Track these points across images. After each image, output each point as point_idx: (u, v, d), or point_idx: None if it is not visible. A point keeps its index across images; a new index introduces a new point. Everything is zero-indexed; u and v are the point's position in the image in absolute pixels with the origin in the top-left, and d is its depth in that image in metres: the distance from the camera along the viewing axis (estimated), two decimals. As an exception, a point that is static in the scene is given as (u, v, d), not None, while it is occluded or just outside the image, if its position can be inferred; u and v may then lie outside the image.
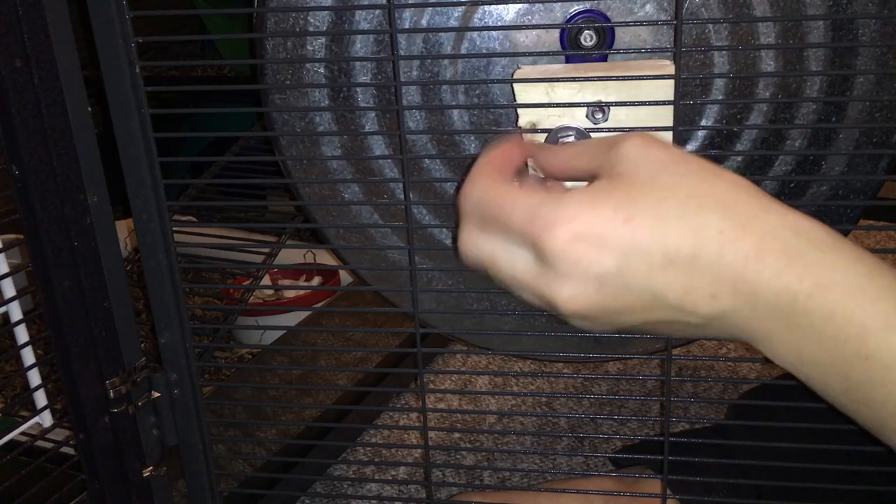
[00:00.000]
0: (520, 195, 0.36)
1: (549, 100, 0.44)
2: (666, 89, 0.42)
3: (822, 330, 0.34)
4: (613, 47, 0.48)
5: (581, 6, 0.47)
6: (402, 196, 0.52)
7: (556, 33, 0.48)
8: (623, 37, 0.48)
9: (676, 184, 0.35)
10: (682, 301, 0.35)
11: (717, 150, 0.51)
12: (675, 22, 0.39)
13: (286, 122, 0.51)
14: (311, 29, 0.49)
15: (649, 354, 0.56)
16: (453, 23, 0.49)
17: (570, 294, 0.35)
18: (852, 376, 0.34)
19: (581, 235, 0.34)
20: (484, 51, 0.49)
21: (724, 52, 0.48)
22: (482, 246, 0.38)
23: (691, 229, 0.34)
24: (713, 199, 0.35)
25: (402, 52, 0.49)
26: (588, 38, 0.47)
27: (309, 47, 0.49)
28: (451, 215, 0.53)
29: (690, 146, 0.51)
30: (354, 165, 0.52)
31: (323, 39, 0.49)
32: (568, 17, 0.48)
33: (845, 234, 0.51)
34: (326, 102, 0.51)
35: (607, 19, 0.47)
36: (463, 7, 0.48)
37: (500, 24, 0.49)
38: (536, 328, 0.55)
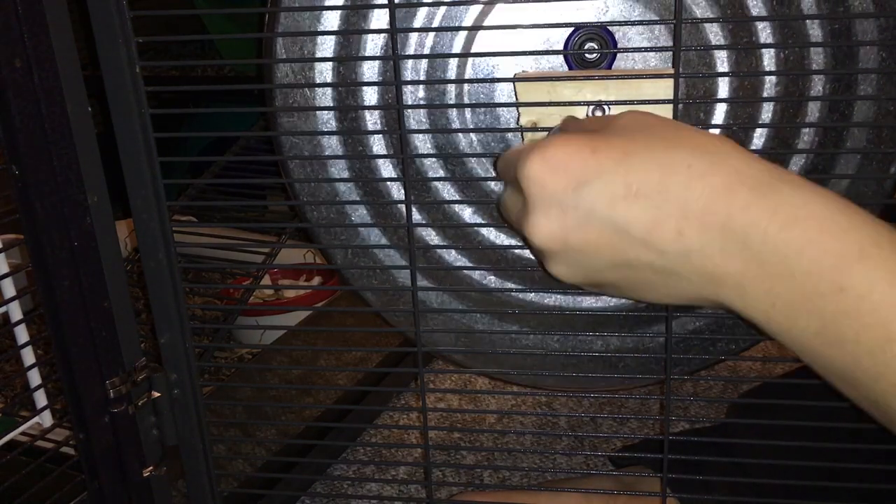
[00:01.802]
0: (522, 147, 0.39)
1: (550, 99, 0.44)
2: (666, 90, 0.42)
3: (795, 265, 0.33)
4: (616, 63, 0.48)
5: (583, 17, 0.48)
6: (401, 209, 0.52)
7: (560, 47, 0.48)
8: (625, 55, 0.48)
9: (652, 130, 0.36)
10: (648, 235, 0.35)
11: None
12: (674, 21, 0.39)
13: (294, 144, 0.51)
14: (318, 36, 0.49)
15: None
16: (457, 44, 0.49)
17: (536, 221, 0.36)
18: (826, 313, 0.33)
19: (548, 161, 0.35)
20: (487, 66, 0.49)
21: (724, 63, 0.48)
22: (503, 198, 0.41)
23: (658, 163, 0.34)
24: (686, 141, 0.35)
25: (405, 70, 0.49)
26: (591, 51, 0.47)
27: (317, 67, 0.50)
28: (450, 222, 0.53)
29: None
30: (362, 188, 0.52)
31: (330, 57, 0.49)
32: (571, 31, 0.48)
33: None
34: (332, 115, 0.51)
35: (611, 35, 0.48)
36: (465, 33, 0.49)
37: (501, 32, 0.49)
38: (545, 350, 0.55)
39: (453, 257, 0.53)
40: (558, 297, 0.53)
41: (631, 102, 0.43)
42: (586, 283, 0.39)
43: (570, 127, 0.41)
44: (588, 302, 0.53)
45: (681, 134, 0.36)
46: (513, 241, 0.52)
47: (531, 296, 0.53)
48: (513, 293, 0.53)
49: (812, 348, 0.34)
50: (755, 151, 0.50)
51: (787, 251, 0.33)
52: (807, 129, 0.49)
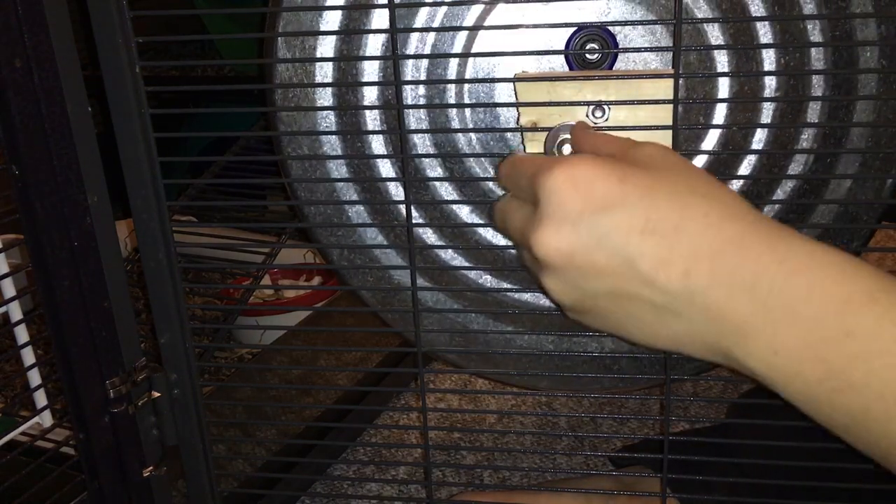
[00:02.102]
0: (537, 157, 0.40)
1: (550, 99, 0.44)
2: (666, 91, 0.42)
3: (801, 310, 0.33)
4: (617, 66, 0.48)
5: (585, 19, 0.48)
6: (398, 207, 0.52)
7: (560, 48, 0.48)
8: (626, 57, 0.48)
9: (676, 171, 0.37)
10: (653, 272, 0.35)
11: (723, 166, 0.51)
12: (674, 21, 0.39)
13: (293, 140, 0.51)
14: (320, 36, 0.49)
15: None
16: (458, 44, 0.49)
17: (545, 234, 0.36)
18: (832, 358, 0.32)
19: (574, 178, 0.36)
20: (487, 66, 0.49)
21: (725, 68, 0.48)
22: (502, 206, 0.42)
23: (678, 205, 0.35)
24: (707, 192, 0.36)
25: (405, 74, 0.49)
26: (592, 51, 0.47)
27: (319, 69, 0.50)
28: (450, 226, 0.53)
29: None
30: (360, 187, 0.52)
31: (331, 57, 0.49)
32: (572, 31, 0.48)
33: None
34: (333, 116, 0.51)
35: (612, 36, 0.48)
36: (466, 32, 0.49)
37: (501, 33, 0.49)
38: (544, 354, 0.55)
39: (449, 256, 0.53)
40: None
41: (631, 102, 0.43)
42: (576, 306, 0.39)
43: (584, 139, 0.41)
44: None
45: (700, 181, 0.37)
46: (509, 241, 0.52)
47: (527, 296, 0.53)
48: (509, 293, 0.53)
49: (816, 397, 0.34)
50: (755, 153, 0.50)
51: (794, 297, 0.33)
52: (805, 136, 0.49)
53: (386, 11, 0.47)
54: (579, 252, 0.36)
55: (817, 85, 0.48)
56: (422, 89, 0.50)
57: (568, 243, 0.36)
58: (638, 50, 0.48)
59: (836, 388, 0.33)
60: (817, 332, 0.33)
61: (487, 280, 0.54)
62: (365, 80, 0.50)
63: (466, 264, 0.53)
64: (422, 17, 0.49)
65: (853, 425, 0.34)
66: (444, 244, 0.53)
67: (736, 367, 0.36)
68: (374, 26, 0.48)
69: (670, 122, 0.41)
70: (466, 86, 0.49)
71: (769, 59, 0.48)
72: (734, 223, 0.35)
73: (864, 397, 0.32)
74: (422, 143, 0.51)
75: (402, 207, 0.52)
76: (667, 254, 0.35)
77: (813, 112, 0.49)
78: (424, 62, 0.49)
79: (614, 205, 0.35)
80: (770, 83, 0.49)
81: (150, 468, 0.50)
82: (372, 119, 0.51)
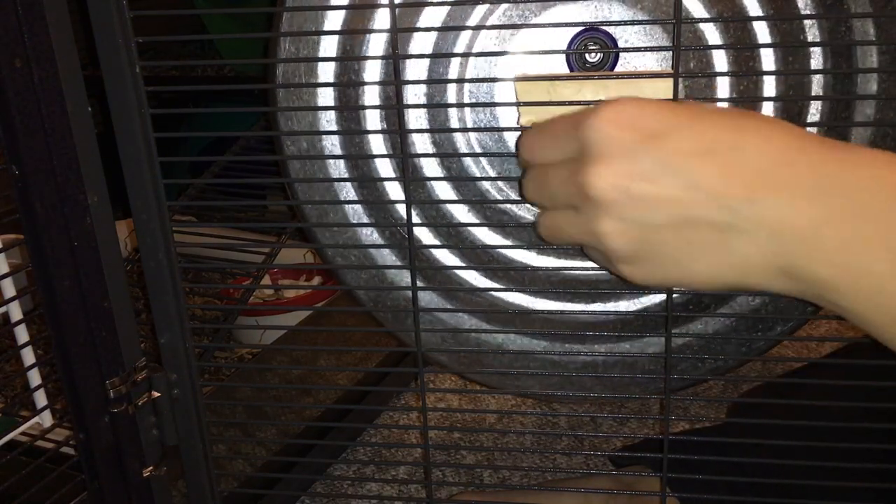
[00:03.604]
0: (567, 115, 0.39)
1: (549, 99, 0.44)
2: (665, 91, 0.42)
3: (867, 202, 0.33)
4: (618, 66, 0.48)
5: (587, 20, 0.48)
6: (401, 215, 0.52)
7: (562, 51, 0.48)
8: (626, 62, 0.48)
9: (723, 109, 0.38)
10: (719, 190, 0.34)
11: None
12: (673, 21, 0.39)
13: (294, 139, 0.51)
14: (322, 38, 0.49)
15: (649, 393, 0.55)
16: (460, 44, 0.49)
17: (600, 170, 0.36)
18: None
19: (621, 114, 0.35)
20: (487, 71, 0.49)
21: (725, 69, 0.48)
22: (535, 173, 0.40)
23: (731, 126, 0.35)
24: (756, 116, 0.37)
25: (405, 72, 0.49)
26: (592, 51, 0.47)
27: (321, 70, 0.50)
28: (450, 229, 0.53)
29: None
30: (360, 186, 0.52)
31: (332, 56, 0.49)
32: (573, 35, 0.48)
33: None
34: (333, 114, 0.51)
35: (613, 40, 0.48)
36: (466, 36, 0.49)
37: (502, 36, 0.49)
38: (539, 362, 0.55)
39: (444, 254, 0.53)
40: (549, 302, 0.53)
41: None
42: (634, 247, 0.37)
43: None
44: (580, 306, 0.53)
45: (745, 111, 0.37)
46: (507, 241, 0.52)
47: (517, 296, 0.54)
48: (504, 293, 0.54)
49: (888, 292, 0.33)
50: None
51: (858, 189, 0.33)
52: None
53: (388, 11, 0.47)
54: (637, 181, 0.35)
55: (816, 88, 0.49)
56: (422, 88, 0.50)
57: (623, 174, 0.35)
58: (638, 49, 0.48)
59: None
60: (884, 222, 0.32)
61: (475, 278, 0.54)
62: (366, 79, 0.50)
63: (462, 264, 0.53)
64: (425, 16, 0.49)
65: None
66: (441, 244, 0.53)
67: (804, 287, 0.35)
68: (376, 26, 0.48)
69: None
70: (466, 86, 0.49)
71: (768, 62, 0.48)
72: (788, 136, 0.35)
73: None
74: (420, 142, 0.51)
75: (397, 205, 0.52)
76: (729, 171, 0.34)
77: (813, 116, 0.49)
78: (426, 61, 0.49)
79: (668, 131, 0.35)
80: (769, 90, 0.49)
81: (150, 468, 0.50)
82: (371, 116, 0.51)
